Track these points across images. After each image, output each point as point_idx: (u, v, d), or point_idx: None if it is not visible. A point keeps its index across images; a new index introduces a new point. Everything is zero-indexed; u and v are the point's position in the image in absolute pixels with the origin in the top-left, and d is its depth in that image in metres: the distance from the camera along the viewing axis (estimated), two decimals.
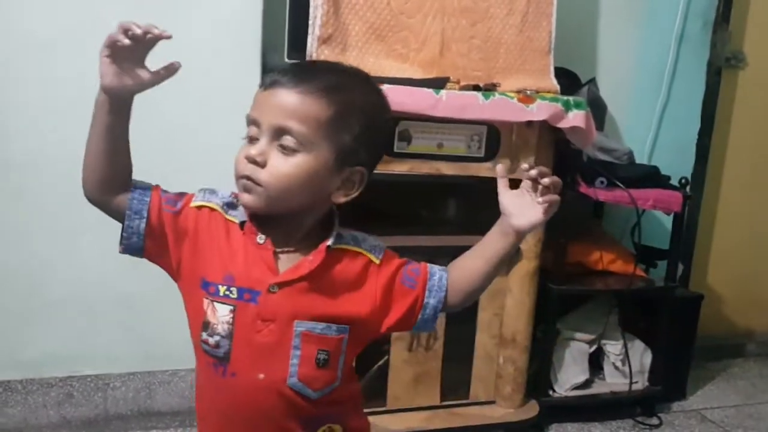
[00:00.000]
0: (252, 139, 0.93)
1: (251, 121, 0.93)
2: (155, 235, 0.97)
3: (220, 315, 0.94)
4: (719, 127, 2.79)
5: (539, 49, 2.13)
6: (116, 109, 0.91)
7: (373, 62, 1.95)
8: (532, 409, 2.19)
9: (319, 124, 0.90)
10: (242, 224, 0.96)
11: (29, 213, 1.88)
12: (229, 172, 1.96)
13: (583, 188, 2.13)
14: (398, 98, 1.82)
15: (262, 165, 0.91)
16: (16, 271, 1.89)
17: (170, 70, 0.92)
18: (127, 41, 0.87)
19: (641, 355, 2.36)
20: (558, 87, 2.12)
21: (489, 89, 1.94)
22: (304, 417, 0.99)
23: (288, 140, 0.90)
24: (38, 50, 1.82)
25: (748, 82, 2.82)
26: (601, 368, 2.37)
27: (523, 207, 0.98)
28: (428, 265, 1.07)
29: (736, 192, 2.91)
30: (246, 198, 0.93)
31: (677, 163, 2.62)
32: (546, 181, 0.96)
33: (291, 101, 0.90)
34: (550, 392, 2.24)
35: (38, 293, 1.92)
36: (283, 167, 0.90)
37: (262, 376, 0.95)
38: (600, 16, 2.60)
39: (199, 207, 0.98)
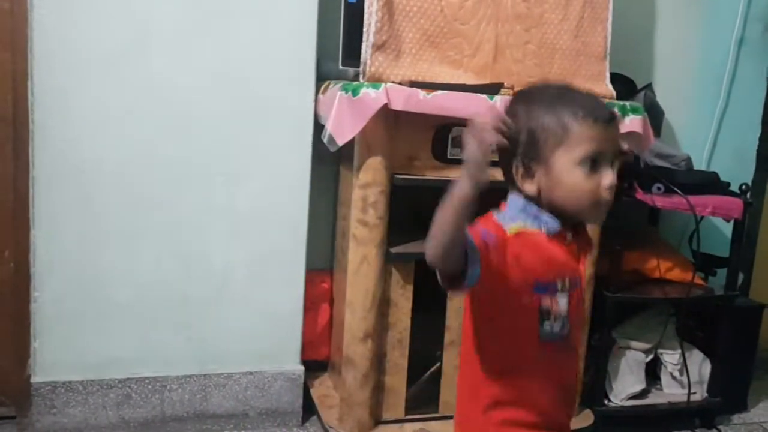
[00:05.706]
0: (594, 167, 1.08)
1: (598, 153, 1.07)
2: (486, 271, 1.04)
3: (561, 305, 1.13)
4: None
5: (595, 54, 2.11)
6: (477, 195, 0.98)
7: (426, 68, 1.96)
8: (586, 419, 2.16)
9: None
10: (550, 232, 1.12)
11: (91, 219, 1.93)
12: (285, 176, 2.02)
13: (640, 195, 2.10)
14: (452, 104, 1.83)
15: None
16: (78, 275, 1.94)
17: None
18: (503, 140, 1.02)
19: (700, 366, 2.31)
20: (614, 92, 2.09)
21: None
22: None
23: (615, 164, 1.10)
24: (104, 60, 1.87)
25: None
26: (658, 378, 2.32)
27: None
28: None
29: None
30: (602, 218, 1.13)
31: (737, 170, 2.56)
32: None
33: (616, 132, 1.11)
34: (606, 402, 2.21)
35: (99, 297, 1.96)
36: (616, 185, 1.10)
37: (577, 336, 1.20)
38: (656, 20, 2.57)
39: (516, 233, 1.10)
